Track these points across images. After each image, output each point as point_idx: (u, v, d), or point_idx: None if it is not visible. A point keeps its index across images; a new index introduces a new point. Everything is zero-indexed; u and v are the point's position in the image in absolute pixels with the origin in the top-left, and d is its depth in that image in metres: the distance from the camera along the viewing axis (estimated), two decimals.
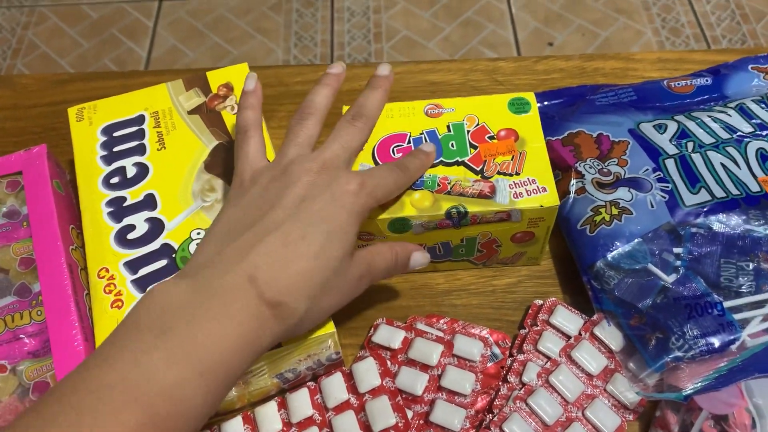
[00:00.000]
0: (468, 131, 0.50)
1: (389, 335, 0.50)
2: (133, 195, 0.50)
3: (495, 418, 0.46)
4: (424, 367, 0.48)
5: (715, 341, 0.45)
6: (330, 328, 0.44)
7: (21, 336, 0.45)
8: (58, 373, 0.43)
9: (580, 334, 0.49)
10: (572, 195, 0.54)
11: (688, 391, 0.44)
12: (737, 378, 0.44)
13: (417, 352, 0.48)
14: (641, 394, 0.46)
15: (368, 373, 0.47)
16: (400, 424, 0.45)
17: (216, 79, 0.56)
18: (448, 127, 0.50)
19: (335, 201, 0.40)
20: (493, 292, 0.54)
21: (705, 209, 0.50)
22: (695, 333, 0.45)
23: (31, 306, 0.46)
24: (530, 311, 0.52)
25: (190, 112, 0.54)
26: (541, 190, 0.48)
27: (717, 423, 0.44)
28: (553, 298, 0.51)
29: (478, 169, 0.48)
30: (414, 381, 0.47)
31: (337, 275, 0.39)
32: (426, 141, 0.49)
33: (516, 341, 0.50)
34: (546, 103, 0.62)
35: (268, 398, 0.48)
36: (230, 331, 0.34)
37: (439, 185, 0.48)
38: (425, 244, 0.50)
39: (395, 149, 0.49)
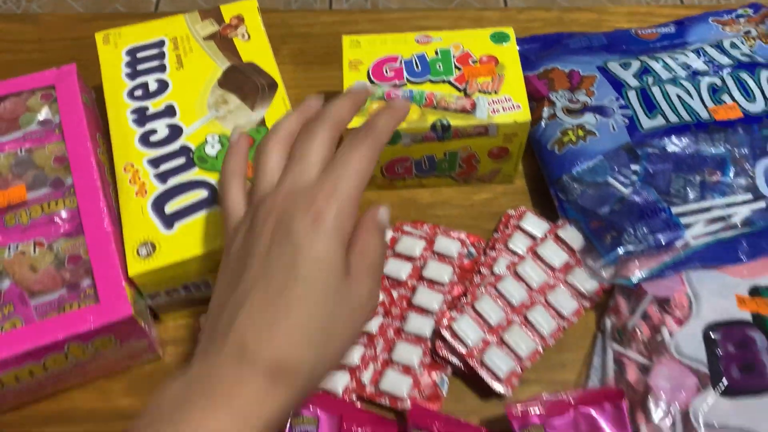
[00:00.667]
0: (454, 56, 0.57)
1: None
2: (154, 105, 0.56)
3: (468, 300, 0.52)
4: (408, 259, 0.54)
5: (662, 238, 0.52)
6: None
7: (56, 220, 0.52)
8: (90, 248, 0.49)
9: (545, 236, 0.56)
10: (544, 120, 0.60)
11: (637, 278, 0.51)
12: (679, 269, 0.51)
13: (402, 246, 0.55)
14: (598, 280, 0.53)
15: None
16: (386, 302, 0.51)
17: (228, 11, 0.62)
18: (436, 51, 0.57)
19: (301, 238, 0.35)
20: (472, 205, 0.61)
21: (660, 132, 0.57)
22: (645, 231, 0.52)
23: (64, 196, 0.53)
24: (503, 219, 0.58)
25: (206, 38, 0.60)
26: (516, 107, 0.54)
27: (660, 307, 0.51)
28: (523, 207, 0.58)
29: (461, 87, 0.55)
30: (399, 269, 0.54)
31: (337, 306, 0.35)
32: (401, 96, 0.54)
33: (489, 242, 0.57)
34: (526, 46, 0.69)
35: None
36: (228, 420, 0.32)
37: (426, 100, 0.54)
38: (412, 157, 0.57)
39: (388, 68, 0.56)
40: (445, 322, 0.51)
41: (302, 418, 0.47)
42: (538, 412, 0.46)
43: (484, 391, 0.51)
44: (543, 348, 0.51)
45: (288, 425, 0.46)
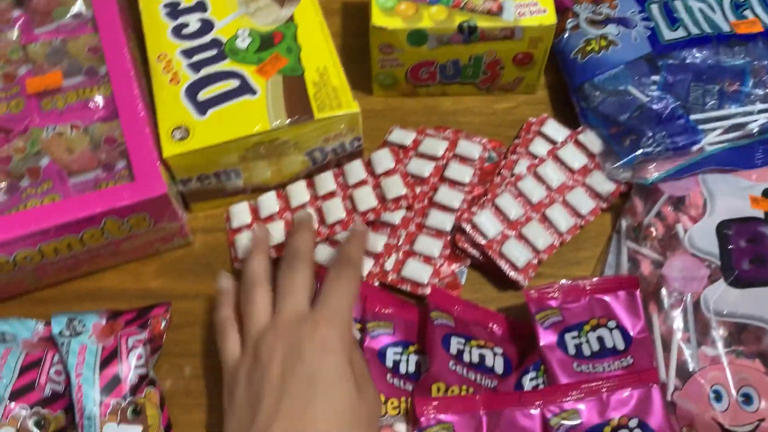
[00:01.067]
0: None
1: (402, 136, 0.58)
2: (186, 0, 0.57)
3: (488, 197, 0.54)
4: (431, 158, 0.56)
5: (679, 140, 0.53)
6: (354, 107, 0.52)
7: (91, 105, 0.53)
8: (125, 130, 0.51)
9: (565, 140, 0.57)
10: (568, 31, 0.61)
11: (654, 178, 0.53)
12: (694, 170, 0.53)
13: (425, 146, 0.56)
14: (616, 181, 0.54)
15: (384, 158, 0.55)
16: (409, 197, 0.53)
17: None
18: None
19: (314, 359, 0.39)
20: (494, 113, 0.62)
21: (681, 43, 0.58)
22: (663, 134, 0.54)
23: (98, 84, 0.54)
24: (524, 126, 0.60)
25: None
26: (541, 11, 0.55)
27: (675, 206, 0.52)
28: (545, 114, 0.59)
29: None
30: (422, 167, 0.55)
31: (355, 415, 0.38)
32: (355, 221, 0.53)
33: (510, 147, 0.58)
34: None
35: (297, 179, 0.56)
36: None
37: (453, 1, 0.55)
38: (437, 60, 0.58)
39: None
40: (465, 216, 0.53)
41: None
42: (554, 296, 0.48)
43: (502, 283, 0.53)
44: (560, 243, 0.53)
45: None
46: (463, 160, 0.56)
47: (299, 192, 0.55)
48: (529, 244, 0.52)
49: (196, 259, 0.55)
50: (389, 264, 0.52)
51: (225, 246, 0.55)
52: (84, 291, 0.53)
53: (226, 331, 0.44)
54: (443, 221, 0.53)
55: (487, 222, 0.52)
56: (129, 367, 0.45)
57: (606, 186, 0.55)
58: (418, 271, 0.51)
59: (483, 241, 0.52)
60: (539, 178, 0.55)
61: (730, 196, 0.52)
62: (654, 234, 0.52)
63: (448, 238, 0.53)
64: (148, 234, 0.51)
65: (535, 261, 0.52)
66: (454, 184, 0.55)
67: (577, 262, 0.54)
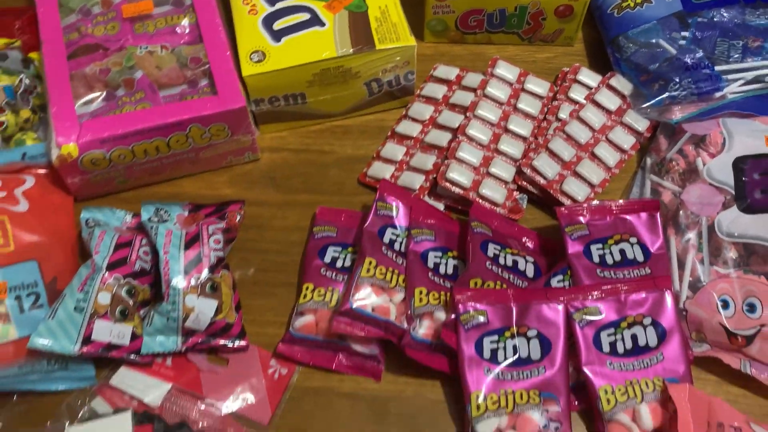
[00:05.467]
0: None
1: (447, 71, 0.64)
2: None
3: (540, 141, 0.60)
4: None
5: (703, 86, 0.59)
6: (411, 41, 0.58)
7: (178, 30, 0.60)
8: (209, 52, 0.57)
9: (599, 85, 0.63)
10: None
11: (678, 119, 0.58)
12: (716, 112, 0.58)
13: (468, 80, 0.63)
14: (645, 116, 0.60)
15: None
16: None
17: None
18: None
19: None
20: (534, 62, 0.68)
21: (711, 3, 0.63)
22: (689, 80, 0.59)
23: (184, 12, 0.61)
24: (559, 75, 0.66)
25: None
26: None
27: (696, 145, 0.58)
28: (577, 63, 0.65)
29: None
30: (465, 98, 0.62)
31: None
32: None
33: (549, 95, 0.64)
34: None
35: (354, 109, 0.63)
36: None
37: None
38: (486, 9, 0.64)
39: None
40: (524, 161, 0.59)
41: (385, 204, 0.55)
42: (583, 214, 0.54)
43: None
44: (610, 177, 0.59)
45: (373, 206, 0.54)
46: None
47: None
48: (585, 180, 0.58)
49: (263, 173, 0.61)
50: (467, 181, 0.57)
51: (289, 164, 0.61)
52: (164, 195, 0.60)
53: None
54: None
55: (545, 165, 0.58)
56: (209, 249, 0.52)
57: (642, 123, 0.60)
58: (493, 191, 0.58)
59: (543, 182, 0.58)
60: (583, 122, 0.61)
61: (747, 136, 0.57)
62: (675, 168, 0.57)
63: (518, 164, 0.59)
64: (224, 145, 0.58)
65: (592, 195, 0.58)
66: (526, 116, 0.61)
67: (605, 192, 0.60)
